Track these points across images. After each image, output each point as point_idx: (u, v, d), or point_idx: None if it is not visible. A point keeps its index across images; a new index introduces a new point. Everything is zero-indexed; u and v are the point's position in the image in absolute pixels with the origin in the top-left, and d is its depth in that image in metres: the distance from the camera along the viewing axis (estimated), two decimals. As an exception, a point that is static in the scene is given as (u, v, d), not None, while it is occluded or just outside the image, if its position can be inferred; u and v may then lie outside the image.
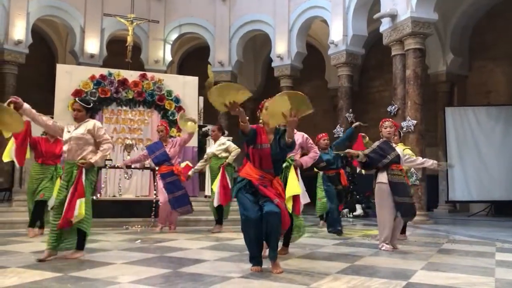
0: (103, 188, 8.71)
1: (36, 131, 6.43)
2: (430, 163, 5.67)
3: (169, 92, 9.47)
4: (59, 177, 5.91)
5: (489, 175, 11.84)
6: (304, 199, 5.11)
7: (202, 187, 9.74)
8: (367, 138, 6.94)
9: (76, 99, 4.86)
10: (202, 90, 9.61)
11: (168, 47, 15.32)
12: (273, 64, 14.20)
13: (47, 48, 16.21)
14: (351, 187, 10.73)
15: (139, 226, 7.46)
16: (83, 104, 4.64)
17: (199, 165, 7.63)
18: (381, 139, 5.63)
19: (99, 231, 6.86)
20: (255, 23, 14.70)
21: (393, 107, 10.31)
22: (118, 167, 7.65)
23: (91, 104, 4.75)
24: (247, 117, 3.94)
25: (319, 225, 8.16)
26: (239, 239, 6.19)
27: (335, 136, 11.56)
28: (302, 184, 5.09)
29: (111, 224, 7.46)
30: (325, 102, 16.08)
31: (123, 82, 9.21)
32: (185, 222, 7.70)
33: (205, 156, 7.55)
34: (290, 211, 4.44)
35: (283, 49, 13.87)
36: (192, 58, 17.52)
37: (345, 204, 8.00)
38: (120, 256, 4.70)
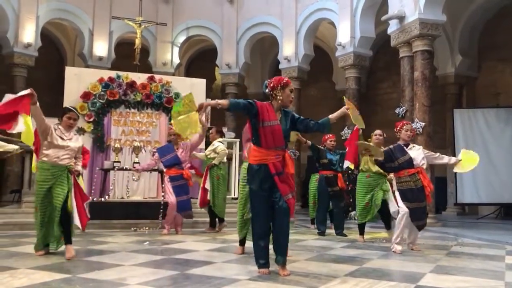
0: (111, 190, 8.77)
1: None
2: (454, 160, 5.71)
3: (177, 94, 9.52)
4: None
5: (498, 178, 11.74)
6: None
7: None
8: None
9: (69, 106, 5.01)
10: (210, 92, 9.66)
11: (176, 50, 15.39)
12: (280, 66, 14.20)
13: (56, 51, 16.34)
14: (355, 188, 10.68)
15: (147, 228, 7.49)
16: (78, 114, 4.95)
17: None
18: (397, 142, 5.69)
19: (107, 233, 6.90)
20: (262, 25, 14.72)
21: (401, 109, 10.27)
22: (136, 171, 7.68)
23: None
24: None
25: (311, 228, 8.27)
26: (246, 242, 6.19)
27: (342, 138, 11.53)
28: None
29: (119, 226, 7.49)
30: (332, 104, 16.00)
31: (131, 85, 9.27)
32: (193, 224, 7.72)
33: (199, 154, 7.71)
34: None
35: (291, 51, 13.87)
36: (200, 60, 17.58)
37: (344, 206, 8.10)
38: (128, 258, 4.72)
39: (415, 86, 9.80)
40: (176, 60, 15.38)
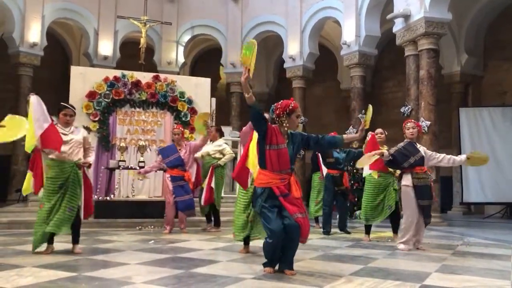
0: (116, 189, 8.79)
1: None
2: (458, 159, 5.63)
3: (182, 94, 9.53)
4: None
5: (504, 177, 11.67)
6: None
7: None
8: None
9: (63, 104, 5.03)
10: (214, 91, 9.65)
11: (181, 49, 15.40)
12: (285, 65, 14.18)
13: (61, 50, 16.41)
14: (361, 188, 10.68)
15: (152, 227, 7.51)
16: (74, 110, 4.99)
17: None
18: (405, 140, 5.67)
19: (112, 232, 6.93)
20: (267, 24, 14.70)
21: (407, 107, 10.23)
22: (139, 173, 7.70)
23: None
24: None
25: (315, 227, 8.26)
26: (251, 241, 6.19)
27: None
28: None
29: (125, 225, 7.52)
30: (337, 103, 16.01)
31: (137, 84, 9.29)
32: (198, 223, 7.73)
33: (199, 153, 7.61)
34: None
35: (296, 50, 13.84)
36: (205, 59, 17.59)
37: (348, 205, 8.13)
38: (133, 257, 4.73)
39: (421, 85, 9.76)
40: (181, 59, 15.40)
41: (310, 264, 4.49)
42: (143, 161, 8.33)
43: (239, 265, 4.38)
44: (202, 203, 7.34)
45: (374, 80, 15.79)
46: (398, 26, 10.39)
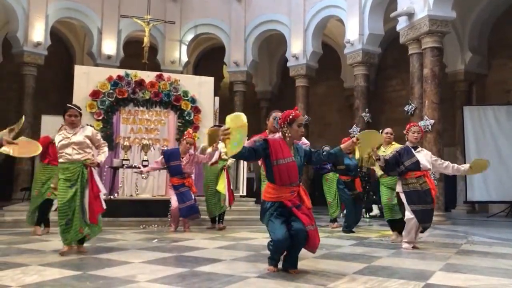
0: (120, 187, 8.81)
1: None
2: (462, 168, 5.58)
3: (185, 93, 9.54)
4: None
5: (508, 176, 11.62)
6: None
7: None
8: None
9: (68, 104, 5.05)
10: (218, 90, 9.66)
11: (184, 48, 15.42)
12: (288, 64, 14.17)
13: (65, 49, 16.45)
14: (367, 187, 10.70)
15: (155, 226, 7.53)
16: (79, 110, 4.95)
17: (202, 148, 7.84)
18: (405, 144, 5.64)
19: (116, 230, 6.94)
20: (270, 23, 14.69)
21: (410, 106, 10.20)
22: (140, 172, 7.72)
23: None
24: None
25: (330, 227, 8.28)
26: (255, 239, 6.21)
27: (351, 136, 11.49)
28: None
29: (128, 224, 7.54)
30: (341, 101, 15.99)
31: (140, 83, 9.31)
32: (202, 222, 7.74)
33: (201, 148, 7.70)
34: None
35: (299, 48, 13.83)
36: (208, 58, 17.60)
37: (362, 208, 8.30)
38: (137, 255, 4.74)
39: (424, 83, 9.72)
40: (184, 58, 15.41)
41: (313, 262, 4.49)
42: (147, 160, 8.35)
43: (243, 264, 4.38)
44: (227, 204, 7.46)
45: (377, 79, 15.75)
46: (401, 24, 10.36)
